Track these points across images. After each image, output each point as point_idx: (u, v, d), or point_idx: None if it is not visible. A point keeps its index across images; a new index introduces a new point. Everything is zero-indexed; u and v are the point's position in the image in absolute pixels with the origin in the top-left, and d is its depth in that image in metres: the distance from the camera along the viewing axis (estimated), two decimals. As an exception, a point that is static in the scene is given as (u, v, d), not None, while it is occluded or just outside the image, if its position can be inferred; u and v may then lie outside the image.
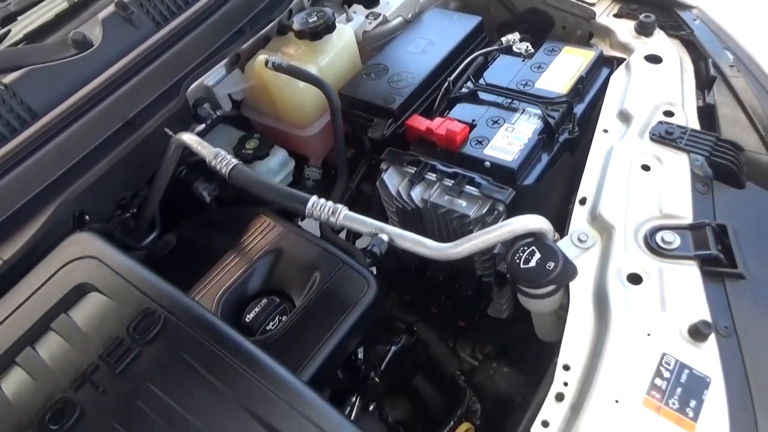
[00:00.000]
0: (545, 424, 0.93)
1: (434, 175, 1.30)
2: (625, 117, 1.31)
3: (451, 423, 1.33)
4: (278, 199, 1.20)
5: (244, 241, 1.39)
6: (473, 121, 1.39)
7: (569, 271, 1.05)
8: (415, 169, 1.32)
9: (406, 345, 1.32)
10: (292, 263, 1.33)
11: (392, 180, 1.34)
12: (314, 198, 1.17)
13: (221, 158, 1.26)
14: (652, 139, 1.24)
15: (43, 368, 0.99)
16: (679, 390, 0.91)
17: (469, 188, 1.25)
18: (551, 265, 1.03)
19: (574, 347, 1.00)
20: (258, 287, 1.32)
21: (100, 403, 0.95)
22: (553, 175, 1.33)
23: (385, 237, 1.11)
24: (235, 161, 1.25)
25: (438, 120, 1.37)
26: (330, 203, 1.16)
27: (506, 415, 1.41)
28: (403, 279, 1.52)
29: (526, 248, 1.06)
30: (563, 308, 1.11)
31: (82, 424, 0.93)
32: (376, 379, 1.24)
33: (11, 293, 1.09)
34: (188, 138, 1.33)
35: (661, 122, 1.27)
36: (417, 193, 1.30)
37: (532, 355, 1.43)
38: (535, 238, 1.07)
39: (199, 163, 1.62)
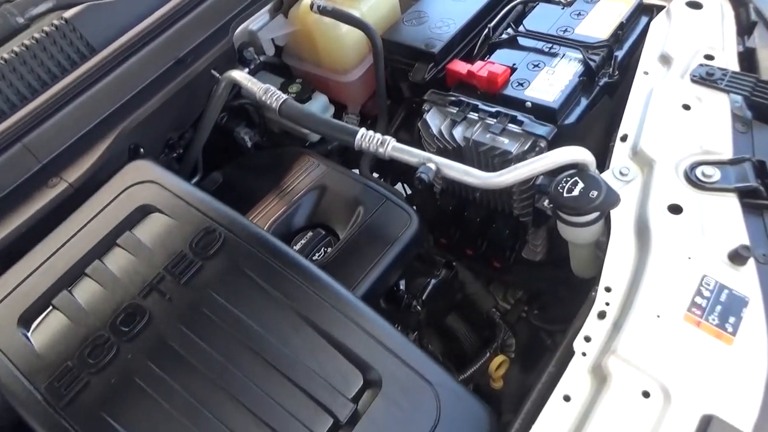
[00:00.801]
0: (587, 339, 0.98)
1: (476, 115, 1.34)
2: (665, 60, 1.33)
3: (487, 355, 1.38)
4: (328, 131, 1.24)
5: (289, 179, 1.44)
6: (513, 65, 1.41)
7: (612, 199, 1.08)
8: (457, 108, 1.36)
9: (446, 279, 1.37)
10: (337, 199, 1.38)
11: (434, 120, 1.38)
12: (363, 130, 1.22)
13: (271, 93, 1.31)
14: (692, 81, 1.26)
15: (112, 279, 1.05)
16: (718, 308, 0.95)
17: (511, 126, 1.29)
18: (594, 193, 1.07)
19: (615, 270, 1.04)
20: (303, 221, 1.37)
21: (166, 309, 1.01)
22: (593, 118, 1.36)
23: (432, 166, 1.15)
24: (285, 96, 1.30)
25: (479, 63, 1.40)
26: (378, 135, 1.21)
27: (539, 352, 1.47)
28: (439, 222, 1.56)
29: (569, 179, 1.10)
30: (601, 247, 1.15)
31: (151, 327, 0.99)
32: (418, 307, 1.29)
33: (77, 213, 1.15)
34: (238, 75, 1.38)
35: (701, 65, 1.29)
36: (459, 131, 1.33)
37: (562, 301, 1.48)
38: (577, 169, 1.11)
39: (241, 110, 1.68)
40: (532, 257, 1.50)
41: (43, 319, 1.03)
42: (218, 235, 1.07)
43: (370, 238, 1.29)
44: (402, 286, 1.32)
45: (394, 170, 1.69)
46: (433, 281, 1.32)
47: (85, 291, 1.05)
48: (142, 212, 1.14)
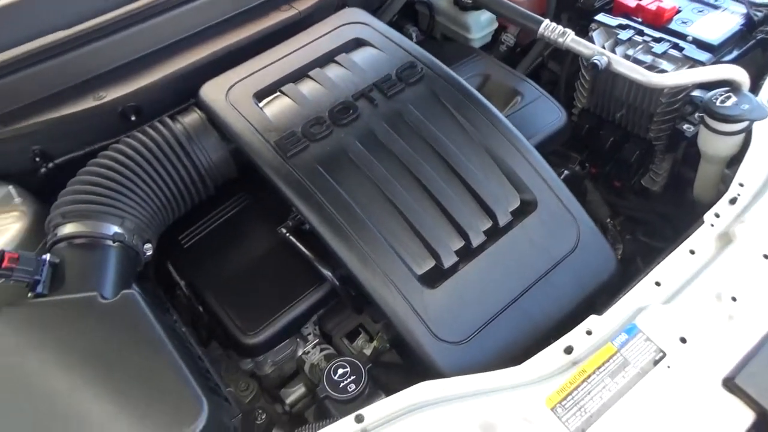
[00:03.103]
0: (717, 215, 1.15)
1: (640, 38, 1.51)
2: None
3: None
4: (515, 16, 1.44)
5: (457, 66, 1.65)
6: (679, 7, 1.58)
7: (761, 113, 1.24)
8: (623, 30, 1.53)
9: (577, 174, 1.55)
10: (498, 87, 1.58)
11: (599, 38, 1.56)
12: (547, 20, 1.41)
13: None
14: None
15: (330, 82, 1.29)
16: None
17: (672, 51, 1.45)
18: (745, 107, 1.23)
19: (750, 170, 1.20)
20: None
21: (374, 111, 1.24)
22: (743, 65, 1.51)
23: (605, 58, 1.34)
24: (482, -16, 1.51)
25: (647, -1, 1.57)
26: (560, 27, 1.40)
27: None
28: (572, 138, 1.74)
29: (723, 93, 1.27)
30: (725, 181, 1.30)
31: (360, 120, 1.22)
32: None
33: (303, 34, 1.39)
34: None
35: None
36: (621, 50, 1.51)
37: (666, 237, 1.63)
38: (732, 86, 1.27)
39: (413, 10, 1.90)
40: (650, 185, 1.67)
41: (272, 100, 1.28)
42: (419, 69, 1.30)
43: (523, 120, 1.49)
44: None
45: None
46: (566, 172, 1.50)
47: (308, 87, 1.29)
48: (356, 44, 1.37)
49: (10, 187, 1.28)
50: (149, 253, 1.21)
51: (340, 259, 1.08)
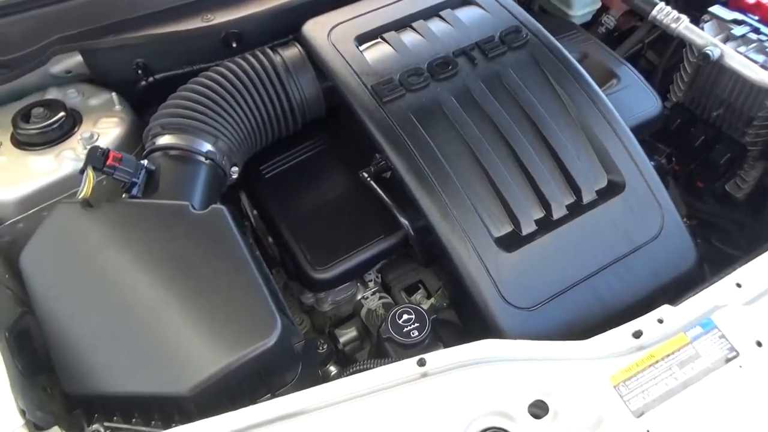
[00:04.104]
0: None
1: (755, 36, 1.44)
2: None
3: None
4: (629, -5, 1.40)
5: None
6: (802, 10, 1.49)
7: None
8: (737, 26, 1.47)
9: (663, 166, 1.51)
10: (595, 66, 1.54)
11: (710, 31, 1.49)
12: (662, 3, 1.36)
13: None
14: None
15: (432, 36, 1.29)
16: None
17: (788, 54, 1.39)
18: None
19: None
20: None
21: (472, 70, 1.23)
22: None
23: (718, 50, 1.29)
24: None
25: (771, -4, 1.49)
26: (675, 12, 1.35)
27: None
28: (662, 130, 1.69)
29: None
30: None
31: (458, 77, 1.22)
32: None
33: (409, -15, 1.38)
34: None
35: None
36: (732, 45, 1.44)
37: (740, 246, 1.57)
38: None
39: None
40: (734, 192, 1.61)
41: (372, 45, 1.29)
42: (524, 35, 1.28)
43: (616, 104, 1.45)
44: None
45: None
46: (653, 162, 1.46)
47: (410, 37, 1.29)
48: (463, 1, 1.36)
49: (113, 95, 1.33)
50: (235, 176, 1.25)
51: (421, 208, 1.09)
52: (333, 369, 1.20)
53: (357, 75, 1.22)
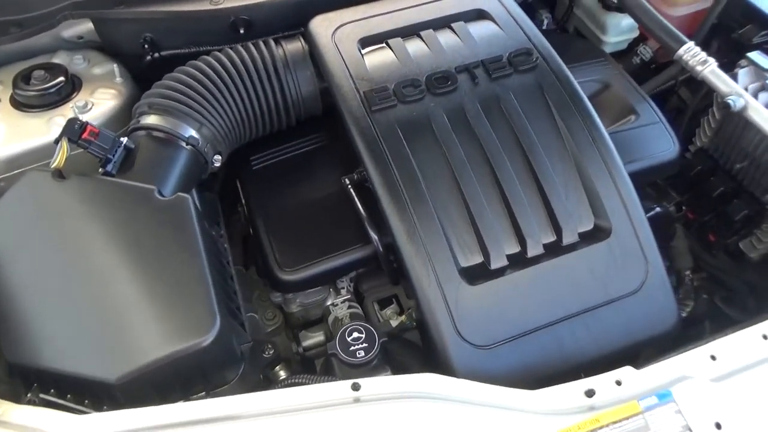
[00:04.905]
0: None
1: (793, 90, 1.33)
2: None
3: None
4: (657, 30, 1.31)
5: (577, 66, 1.54)
6: None
7: None
8: (777, 77, 1.36)
9: (668, 215, 1.43)
10: (615, 98, 1.46)
11: (745, 78, 1.39)
12: (691, 43, 1.28)
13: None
14: None
15: (438, 47, 1.24)
16: None
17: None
18: None
19: None
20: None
21: (472, 89, 1.18)
22: None
23: (742, 101, 1.19)
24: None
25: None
26: (703, 54, 1.26)
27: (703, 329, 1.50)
28: (680, 175, 1.59)
29: None
30: None
31: (455, 94, 1.17)
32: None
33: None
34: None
35: None
36: (765, 97, 1.34)
37: (747, 308, 1.48)
38: None
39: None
40: (749, 251, 1.51)
41: (376, 49, 1.25)
42: (535, 58, 1.21)
43: (630, 143, 1.37)
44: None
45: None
46: (657, 209, 1.38)
47: (415, 46, 1.25)
48: (478, 15, 1.30)
49: (115, 66, 1.34)
50: (217, 164, 1.23)
51: (389, 225, 1.06)
52: (282, 374, 1.18)
53: (352, 79, 1.18)
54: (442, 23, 1.28)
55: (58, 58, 1.36)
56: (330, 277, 1.23)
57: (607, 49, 1.73)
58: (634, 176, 1.34)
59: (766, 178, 1.40)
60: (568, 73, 1.21)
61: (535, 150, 1.11)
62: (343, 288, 1.31)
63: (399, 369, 1.07)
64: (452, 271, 1.02)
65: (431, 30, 1.27)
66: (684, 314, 1.48)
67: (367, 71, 1.20)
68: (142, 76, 1.38)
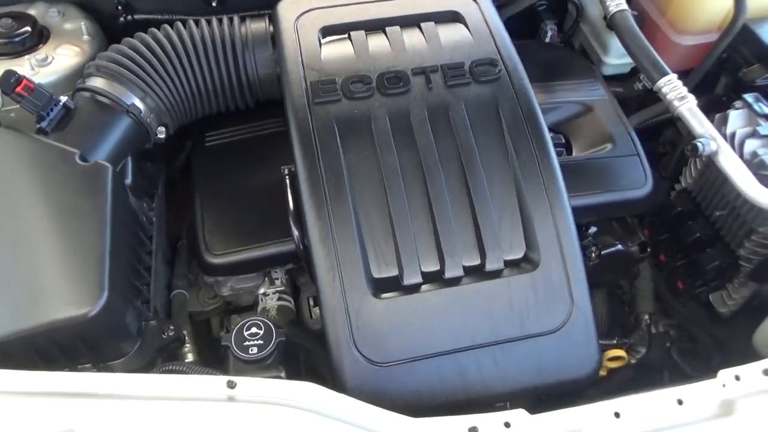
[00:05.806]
0: (737, 378, 0.94)
1: (785, 140, 1.23)
2: None
3: (613, 341, 1.36)
4: (641, 57, 1.23)
5: (567, 80, 1.46)
6: None
7: None
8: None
9: (632, 255, 1.34)
10: (594, 124, 1.38)
11: (736, 120, 1.29)
12: (674, 76, 1.19)
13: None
14: None
15: (400, 45, 1.18)
16: None
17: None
18: None
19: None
20: (551, 120, 1.38)
21: (423, 93, 1.12)
22: None
23: (714, 145, 1.10)
24: (626, 7, 1.29)
25: (822, 100, 1.27)
26: (685, 89, 1.17)
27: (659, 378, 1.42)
28: (658, 215, 1.50)
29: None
30: None
31: (404, 97, 1.12)
32: (591, 256, 1.29)
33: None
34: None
35: None
36: (753, 145, 1.24)
37: (711, 364, 1.38)
38: None
39: (561, 5, 1.69)
40: (718, 306, 1.41)
41: (337, 40, 1.20)
42: (498, 70, 1.15)
43: (600, 172, 1.29)
44: (592, 231, 1.32)
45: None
46: (620, 246, 1.30)
47: (376, 42, 1.19)
48: (451, 17, 1.24)
49: (83, 23, 1.33)
50: (161, 136, 1.22)
51: (305, 223, 1.02)
52: (190, 356, 1.16)
53: (303, 66, 1.14)
54: (412, 21, 1.22)
55: (34, 9, 1.36)
56: (256, 266, 1.20)
57: (608, 71, 1.63)
58: (596, 208, 1.28)
59: (743, 231, 1.30)
60: (530, 90, 1.14)
61: (474, 167, 1.05)
62: (278, 279, 1.29)
63: (297, 374, 1.04)
64: (359, 281, 0.98)
65: (398, 27, 1.21)
66: (633, 360, 1.41)
67: (320, 61, 1.15)
68: (118, 38, 1.37)
